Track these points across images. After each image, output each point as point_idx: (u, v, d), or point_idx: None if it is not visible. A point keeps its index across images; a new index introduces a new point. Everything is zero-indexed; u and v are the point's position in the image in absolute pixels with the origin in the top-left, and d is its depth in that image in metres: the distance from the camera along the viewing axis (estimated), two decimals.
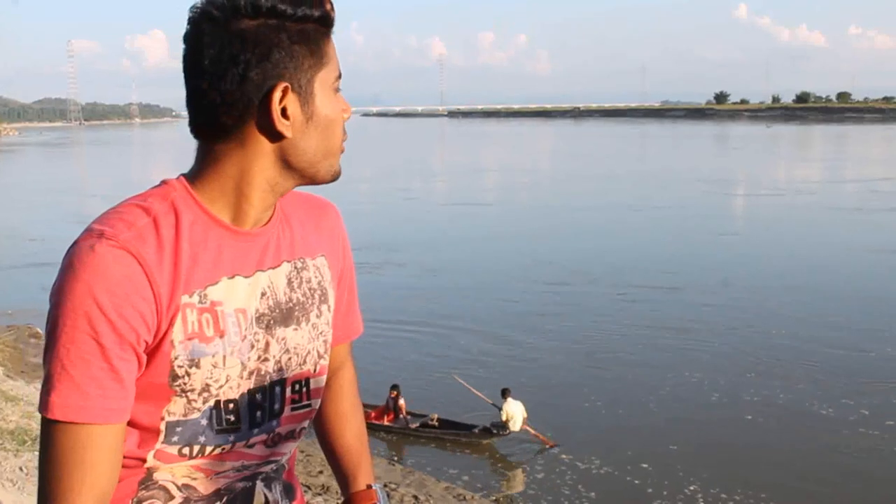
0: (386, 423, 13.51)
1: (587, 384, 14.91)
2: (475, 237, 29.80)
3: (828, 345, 16.52)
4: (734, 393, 14.12)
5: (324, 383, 1.43)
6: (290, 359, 1.35)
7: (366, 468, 1.51)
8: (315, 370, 1.39)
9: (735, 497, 10.57)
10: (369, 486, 1.49)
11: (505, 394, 12.98)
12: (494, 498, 10.58)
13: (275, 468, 1.40)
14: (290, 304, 1.34)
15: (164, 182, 1.27)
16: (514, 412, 12.77)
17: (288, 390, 1.36)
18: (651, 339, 17.13)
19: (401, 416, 13.44)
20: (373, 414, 13.58)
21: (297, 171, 1.27)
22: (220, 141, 1.24)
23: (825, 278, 22.36)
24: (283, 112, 1.22)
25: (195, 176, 1.27)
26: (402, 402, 13.54)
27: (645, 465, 11.68)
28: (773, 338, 17.11)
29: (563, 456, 12.32)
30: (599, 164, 63.59)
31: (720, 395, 14.10)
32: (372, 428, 13.30)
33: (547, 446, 12.42)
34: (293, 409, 1.37)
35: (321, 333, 1.40)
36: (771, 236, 29.36)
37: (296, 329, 1.35)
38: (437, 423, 13.40)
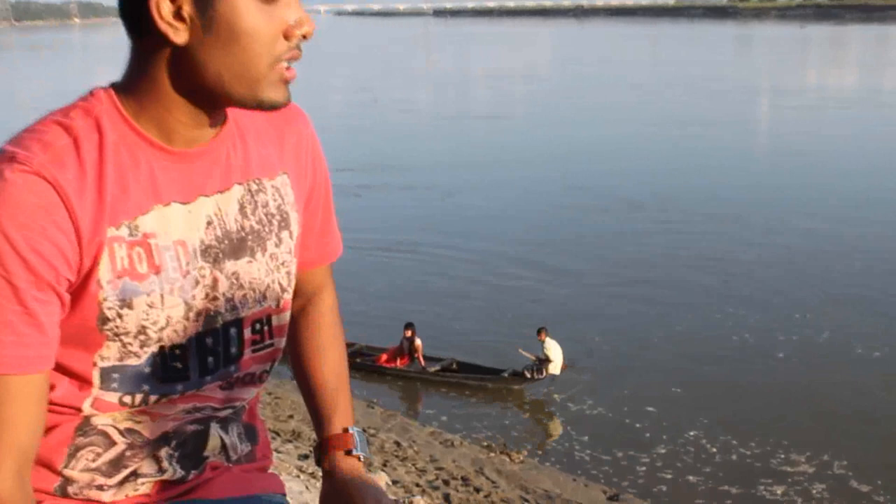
0: (399, 366, 13.43)
1: (630, 318, 15.02)
2: (493, 157, 28.94)
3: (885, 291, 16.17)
4: (763, 334, 14.22)
5: (288, 319, 1.41)
6: (244, 295, 1.32)
7: (343, 409, 1.50)
8: (277, 306, 1.37)
9: (737, 442, 10.81)
10: (346, 430, 1.48)
11: (541, 332, 12.96)
12: (486, 443, 10.82)
13: (233, 412, 1.39)
14: (243, 234, 1.32)
15: (91, 93, 1.23)
16: (555, 351, 12.77)
17: (247, 331, 1.34)
18: (687, 275, 17.17)
19: (416, 359, 13.37)
20: (384, 357, 13.56)
21: (206, 91, 1.20)
22: (137, 38, 1.20)
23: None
24: (179, 12, 1.15)
25: (123, 85, 1.23)
26: (418, 342, 13.40)
27: (649, 409, 11.91)
28: (826, 277, 16.95)
29: (557, 395, 12.59)
30: (615, 70, 62.23)
31: (749, 335, 14.22)
32: (383, 373, 13.40)
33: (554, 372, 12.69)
34: (254, 351, 1.35)
35: (282, 264, 1.37)
36: (835, 156, 28.73)
37: (250, 261, 1.33)
38: (457, 366, 13.35)
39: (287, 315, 1.40)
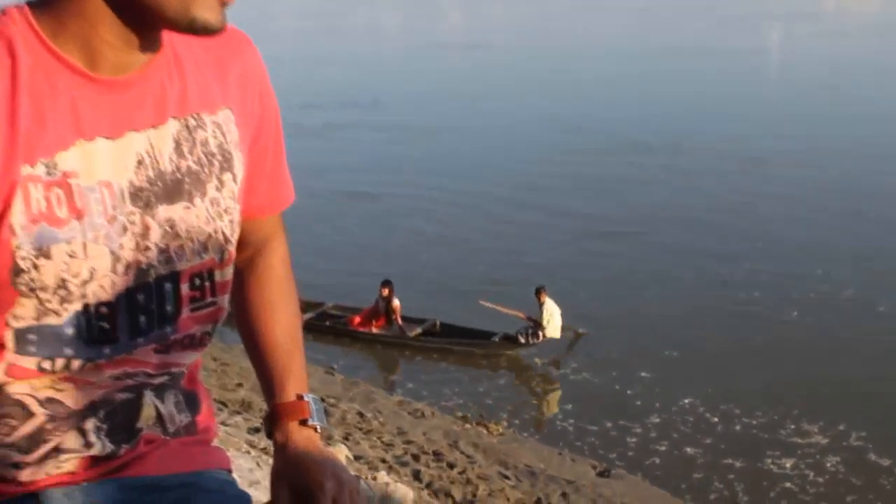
0: (374, 329, 13.48)
1: (618, 273, 15.21)
2: (474, 93, 28.86)
3: None
4: (776, 291, 14.42)
5: (232, 275, 1.41)
6: (181, 246, 1.32)
7: (297, 374, 1.50)
8: (221, 259, 1.37)
9: (741, 411, 11.01)
10: (300, 397, 1.48)
11: (540, 293, 12.99)
12: (460, 414, 10.93)
13: (169, 378, 1.39)
14: (179, 175, 1.31)
15: (3, 12, 1.21)
16: (554, 313, 12.83)
17: (184, 287, 1.34)
18: (694, 225, 17.30)
19: (394, 320, 13.40)
20: (357, 319, 13.59)
21: (136, 4, 1.19)
22: None
23: None
24: None
25: (40, 0, 1.21)
26: (396, 302, 13.38)
27: (642, 374, 12.10)
28: (856, 229, 17.06)
29: (539, 359, 12.73)
30: None
31: (760, 292, 14.43)
32: (355, 337, 13.46)
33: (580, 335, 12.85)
34: (193, 310, 1.35)
35: (225, 211, 1.37)
36: (864, 87, 28.79)
37: (187, 207, 1.32)
38: (439, 329, 13.46)
39: (231, 270, 1.40)
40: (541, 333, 12.75)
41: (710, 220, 17.69)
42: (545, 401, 11.74)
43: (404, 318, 13.48)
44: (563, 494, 8.73)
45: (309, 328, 13.66)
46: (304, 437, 1.45)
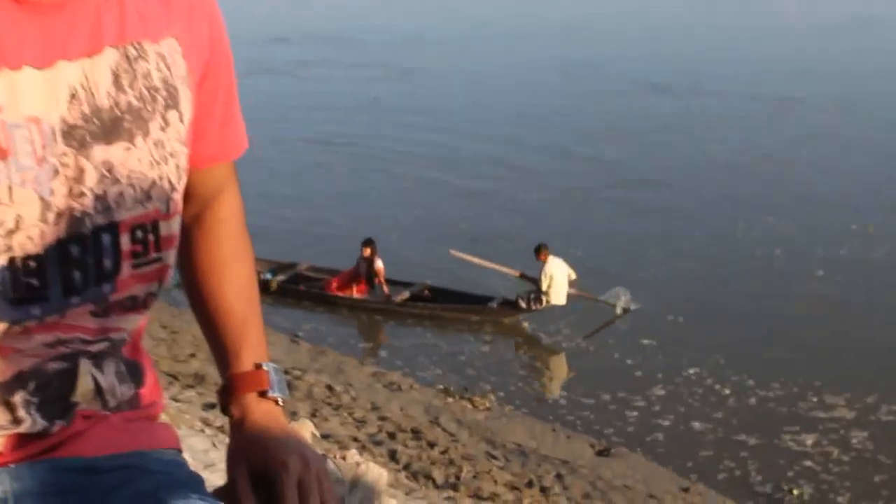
0: (355, 294, 13.46)
1: (617, 225, 15.39)
2: (466, 28, 29.00)
3: None
4: (800, 249, 14.53)
5: (178, 227, 1.41)
6: (121, 192, 1.31)
7: (254, 340, 1.52)
8: (166, 209, 1.37)
9: (755, 382, 11.13)
10: (258, 366, 1.50)
11: (541, 252, 12.88)
12: (441, 387, 11.00)
13: (109, 345, 1.39)
14: (118, 112, 1.30)
15: None
16: (557, 276, 12.69)
17: (125, 239, 1.33)
18: (712, 176, 17.46)
19: (377, 284, 13.41)
20: (335, 282, 13.61)
21: None
22: None
23: None
24: None
25: None
26: (379, 264, 13.36)
27: (645, 341, 12.23)
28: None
29: (528, 324, 12.83)
30: None
31: (781, 249, 14.54)
32: (333, 303, 13.44)
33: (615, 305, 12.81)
34: (135, 267, 1.35)
35: (171, 155, 1.36)
36: None
37: (128, 148, 1.31)
38: (429, 293, 13.46)
39: (178, 222, 1.40)
40: (544, 298, 12.68)
41: (728, 168, 17.84)
42: (535, 371, 11.83)
43: (389, 282, 13.45)
44: (558, 476, 8.80)
45: (281, 292, 13.77)
46: (263, 412, 1.46)
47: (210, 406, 7.98)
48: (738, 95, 22.18)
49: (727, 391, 11.03)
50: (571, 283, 12.86)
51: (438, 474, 8.46)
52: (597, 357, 11.95)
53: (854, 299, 13.16)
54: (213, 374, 9.46)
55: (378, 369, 11.44)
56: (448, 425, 9.70)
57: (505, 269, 13.22)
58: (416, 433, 9.25)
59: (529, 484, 8.57)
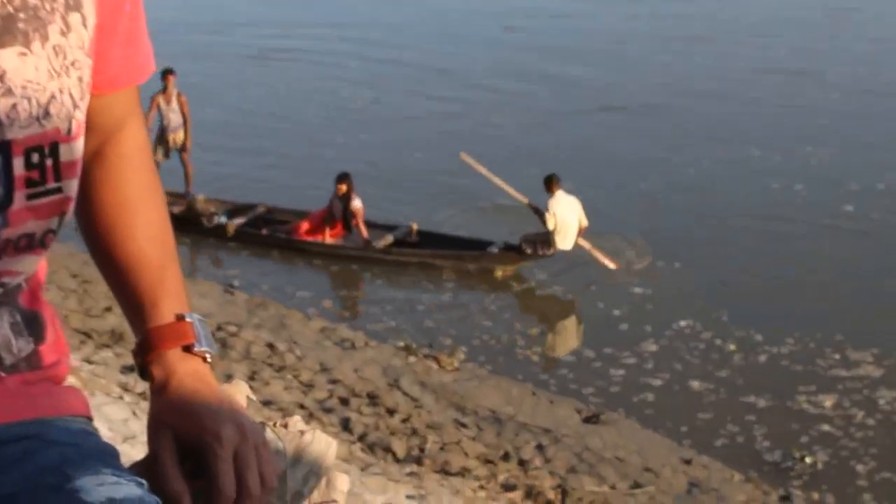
0: (328, 239, 13.49)
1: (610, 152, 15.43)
2: None
3: None
4: (825, 180, 14.51)
5: (81, 152, 1.40)
6: (14, 106, 1.30)
7: (172, 289, 1.53)
8: (68, 130, 1.36)
9: (765, 337, 11.22)
10: (180, 317, 1.51)
11: (551, 184, 12.87)
12: (403, 343, 11.04)
13: (2, 293, 1.39)
14: (10, 9, 1.29)
15: None
16: (567, 216, 12.70)
17: (17, 163, 1.32)
18: (725, 91, 17.65)
19: (354, 227, 13.41)
20: (304, 226, 13.62)
21: None
22: None
23: None
24: None
25: None
26: (356, 203, 13.37)
27: (635, 289, 12.32)
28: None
29: (500, 269, 12.89)
30: None
31: (804, 181, 14.56)
32: (302, 251, 13.44)
33: (609, 266, 12.80)
34: (31, 198, 1.34)
35: (73, 65, 1.35)
36: None
37: (23, 54, 1.30)
38: (416, 237, 13.45)
39: (79, 146, 1.39)
40: (552, 243, 12.67)
41: (739, 93, 17.83)
42: (511, 324, 11.81)
43: (369, 224, 13.45)
44: (539, 447, 8.85)
45: (240, 238, 13.87)
46: (190, 371, 1.47)
47: (130, 369, 7.95)
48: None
49: (731, 347, 11.11)
50: (580, 231, 12.85)
51: (399, 446, 8.51)
52: (578, 307, 12.03)
53: (884, 239, 13.27)
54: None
55: (329, 324, 11.43)
56: (410, 389, 9.70)
57: (514, 192, 13.20)
58: (372, 398, 9.23)
59: (505, 456, 8.59)
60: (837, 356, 10.85)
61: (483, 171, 13.45)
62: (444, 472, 8.24)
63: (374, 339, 11.14)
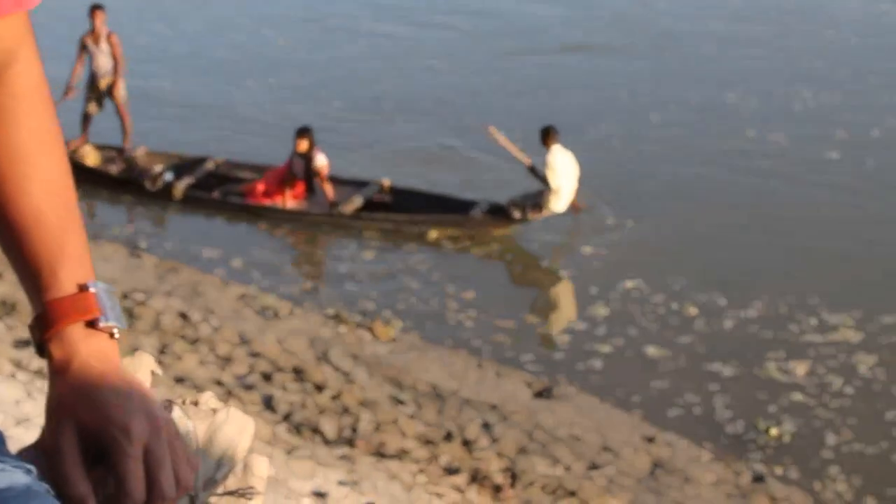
0: (288, 204, 13.35)
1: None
2: None
3: None
4: (810, 121, 14.66)
5: None
6: None
7: (74, 254, 1.50)
8: None
9: (729, 300, 11.24)
10: (83, 288, 1.47)
11: (549, 137, 12.81)
12: (332, 311, 11.00)
13: None
14: None
15: None
16: (567, 173, 12.62)
17: None
18: (687, 39, 17.83)
19: (318, 187, 13.32)
20: (260, 186, 13.47)
21: None
22: None
23: None
24: None
25: None
26: (320, 160, 13.28)
27: (585, 249, 12.24)
28: None
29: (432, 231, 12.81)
30: None
31: (781, 130, 14.58)
32: (259, 215, 13.29)
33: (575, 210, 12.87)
34: None
35: None
36: None
37: None
38: (389, 197, 13.34)
39: None
40: (543, 204, 12.57)
41: (715, 32, 18.01)
42: (450, 288, 11.68)
43: (336, 182, 13.30)
44: (485, 425, 8.83)
45: (187, 201, 13.62)
46: (94, 351, 1.44)
47: (24, 343, 7.91)
48: None
49: (694, 311, 11.13)
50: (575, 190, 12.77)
51: (329, 426, 8.50)
52: (519, 266, 12.03)
53: (877, 192, 13.30)
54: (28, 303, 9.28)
55: (249, 290, 11.36)
56: (341, 362, 9.64)
57: (521, 156, 13.05)
58: (298, 373, 9.21)
59: (448, 436, 8.58)
60: (813, 320, 10.88)
61: (507, 145, 13.24)
62: (380, 454, 8.25)
63: (299, 306, 11.09)
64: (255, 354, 9.47)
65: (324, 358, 9.69)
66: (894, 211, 12.97)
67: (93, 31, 14.56)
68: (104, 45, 14.51)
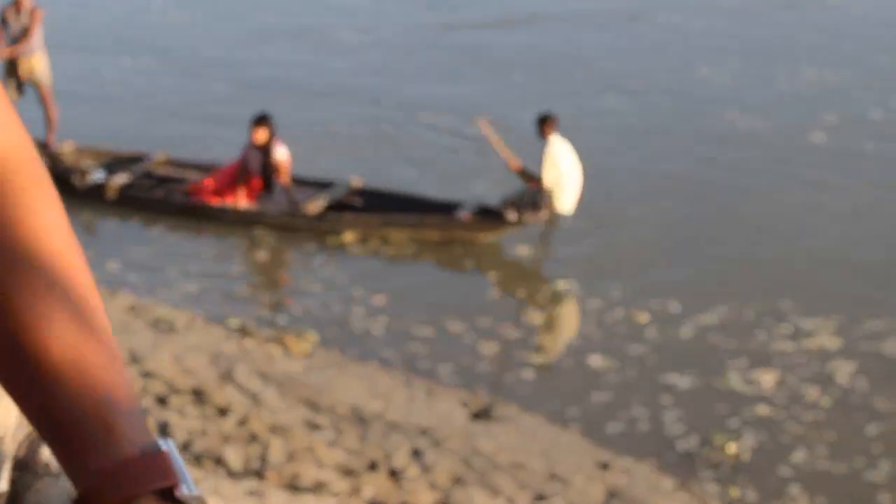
0: (243, 202, 13.04)
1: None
2: None
3: None
4: (763, 111, 14.73)
5: None
6: None
7: (126, 401, 1.35)
8: None
9: (686, 308, 11.27)
10: (152, 446, 1.33)
11: (545, 125, 12.59)
12: (238, 322, 10.91)
13: None
14: None
15: None
16: (566, 165, 12.42)
17: None
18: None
19: (277, 185, 13.02)
20: (210, 184, 13.15)
21: None
22: None
23: None
24: None
25: None
26: (281, 153, 12.98)
27: (520, 249, 12.13)
28: None
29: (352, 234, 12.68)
30: None
31: (761, 117, 14.71)
32: (209, 218, 12.97)
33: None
34: None
35: None
36: None
37: None
38: (359, 199, 13.06)
39: None
40: (542, 204, 12.28)
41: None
42: (345, 293, 11.65)
43: (298, 182, 12.92)
44: (416, 453, 8.72)
45: (124, 202, 13.27)
46: None
47: None
48: None
49: (645, 318, 11.14)
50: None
51: (234, 456, 8.43)
52: (442, 271, 11.94)
53: (859, 185, 13.35)
54: None
55: (140, 299, 11.24)
56: (247, 382, 9.52)
57: (511, 158, 12.76)
58: (198, 395, 9.13)
59: (372, 466, 8.51)
60: (783, 326, 10.87)
61: (497, 143, 13.02)
62: (293, 487, 8.17)
63: (199, 317, 11.02)
64: (147, 374, 9.33)
65: (228, 377, 9.57)
66: (881, 207, 13.00)
67: (15, 3, 13.73)
68: (26, 20, 13.67)
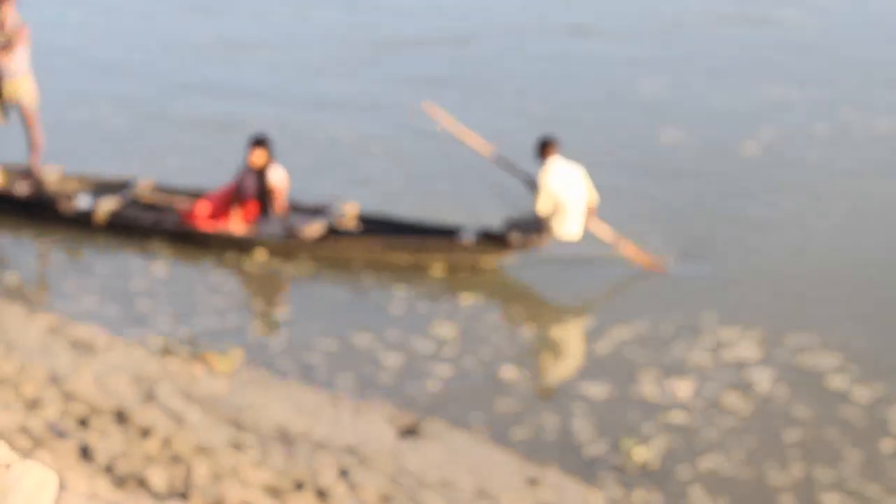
0: (236, 228, 12.73)
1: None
2: None
3: None
4: (723, 102, 14.99)
5: None
6: None
7: None
8: None
9: (629, 333, 11.33)
10: None
11: (547, 148, 12.25)
12: (160, 341, 10.83)
13: None
14: None
15: None
16: (566, 189, 12.09)
17: None
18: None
19: (272, 211, 12.71)
20: (204, 208, 12.84)
21: None
22: None
23: None
24: None
25: None
26: (276, 176, 12.66)
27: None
28: None
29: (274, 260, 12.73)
30: None
31: (711, 117, 15.05)
32: (201, 243, 12.78)
33: (650, 269, 12.33)
34: None
35: None
36: None
37: None
38: (356, 224, 12.84)
39: None
40: (544, 231, 12.10)
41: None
42: (250, 308, 11.80)
43: (295, 206, 12.71)
44: (343, 472, 8.70)
45: (113, 228, 13.16)
46: None
47: None
48: None
49: (552, 331, 11.56)
50: (590, 211, 12.25)
51: (158, 477, 8.32)
52: (347, 281, 12.09)
53: (794, 192, 13.67)
54: None
55: (61, 317, 11.14)
56: (170, 402, 9.49)
57: (476, 142, 12.64)
58: (120, 416, 9.04)
59: (299, 486, 8.46)
60: (704, 337, 11.01)
61: (447, 121, 12.94)
62: None
63: (119, 337, 10.98)
64: (68, 396, 9.23)
65: (150, 397, 9.50)
66: (815, 217, 13.20)
67: None
68: (10, 35, 13.19)
